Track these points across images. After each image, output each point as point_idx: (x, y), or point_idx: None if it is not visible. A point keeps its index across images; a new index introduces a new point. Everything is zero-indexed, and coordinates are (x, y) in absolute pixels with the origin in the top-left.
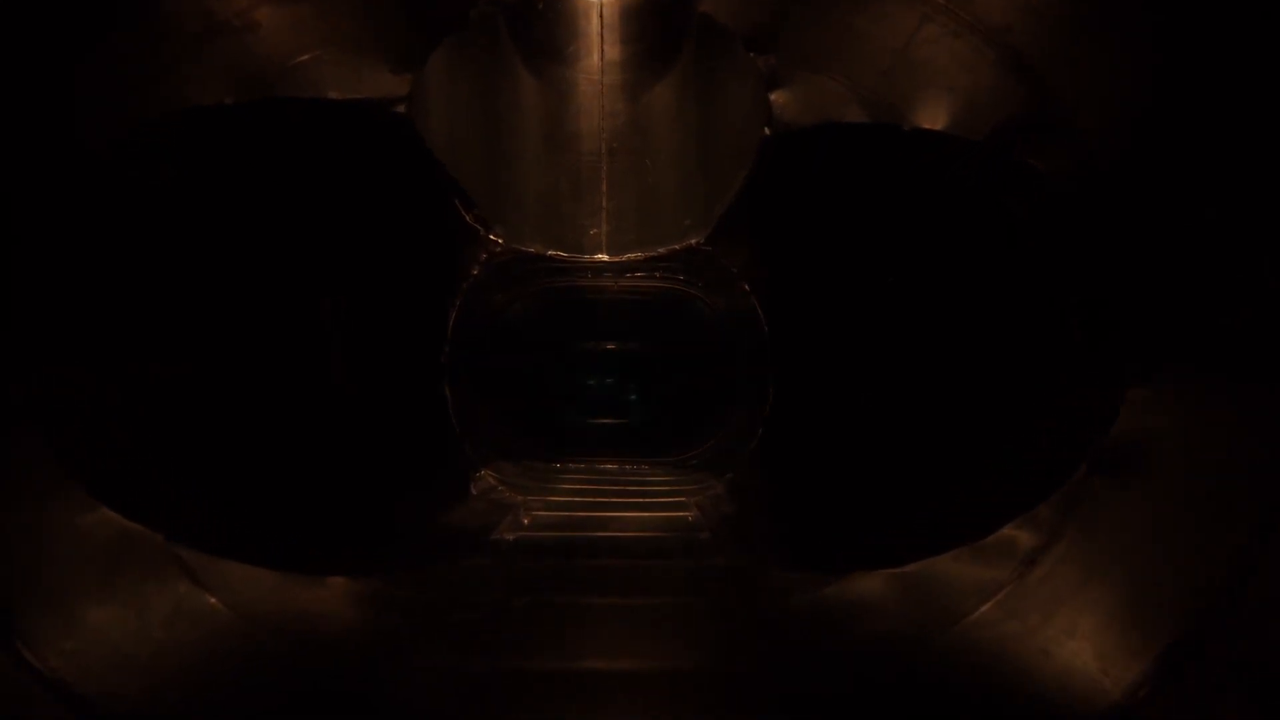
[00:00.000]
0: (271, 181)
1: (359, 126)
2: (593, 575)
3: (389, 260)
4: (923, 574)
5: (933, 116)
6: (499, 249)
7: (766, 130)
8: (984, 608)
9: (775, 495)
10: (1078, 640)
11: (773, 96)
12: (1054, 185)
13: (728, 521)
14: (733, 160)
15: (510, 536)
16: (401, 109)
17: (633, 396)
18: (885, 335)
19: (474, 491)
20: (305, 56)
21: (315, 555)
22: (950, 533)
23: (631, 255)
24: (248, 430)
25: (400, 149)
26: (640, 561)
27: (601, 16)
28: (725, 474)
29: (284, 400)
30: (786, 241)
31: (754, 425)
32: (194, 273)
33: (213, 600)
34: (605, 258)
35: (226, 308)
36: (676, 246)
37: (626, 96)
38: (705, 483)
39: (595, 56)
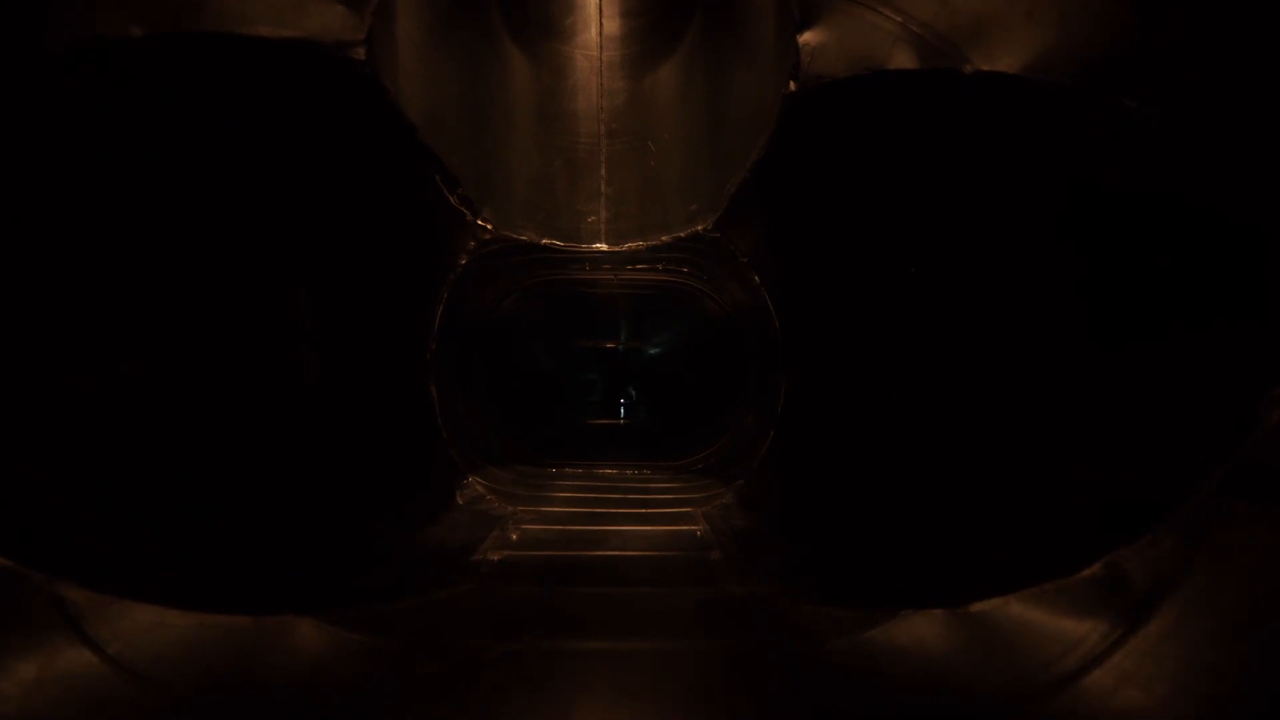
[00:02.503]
0: (198, 138)
1: (306, 74)
2: (587, 610)
3: (362, 243)
4: (995, 618)
5: (1004, 55)
6: (488, 236)
7: (792, 84)
8: (1092, 671)
9: (791, 508)
10: None
11: (803, 39)
12: (1166, 142)
13: (740, 539)
14: (747, 133)
15: (495, 557)
16: (359, 55)
17: (633, 396)
18: (920, 326)
19: (459, 501)
20: None
21: (255, 588)
22: (1026, 564)
23: (632, 244)
24: (176, 432)
25: (360, 106)
26: (643, 590)
27: None
28: (734, 481)
29: (228, 397)
30: (804, 224)
31: (764, 428)
32: (110, 253)
33: (98, 658)
34: (604, 247)
35: (151, 294)
36: (681, 234)
37: (627, 74)
38: (712, 490)
39: (593, 31)
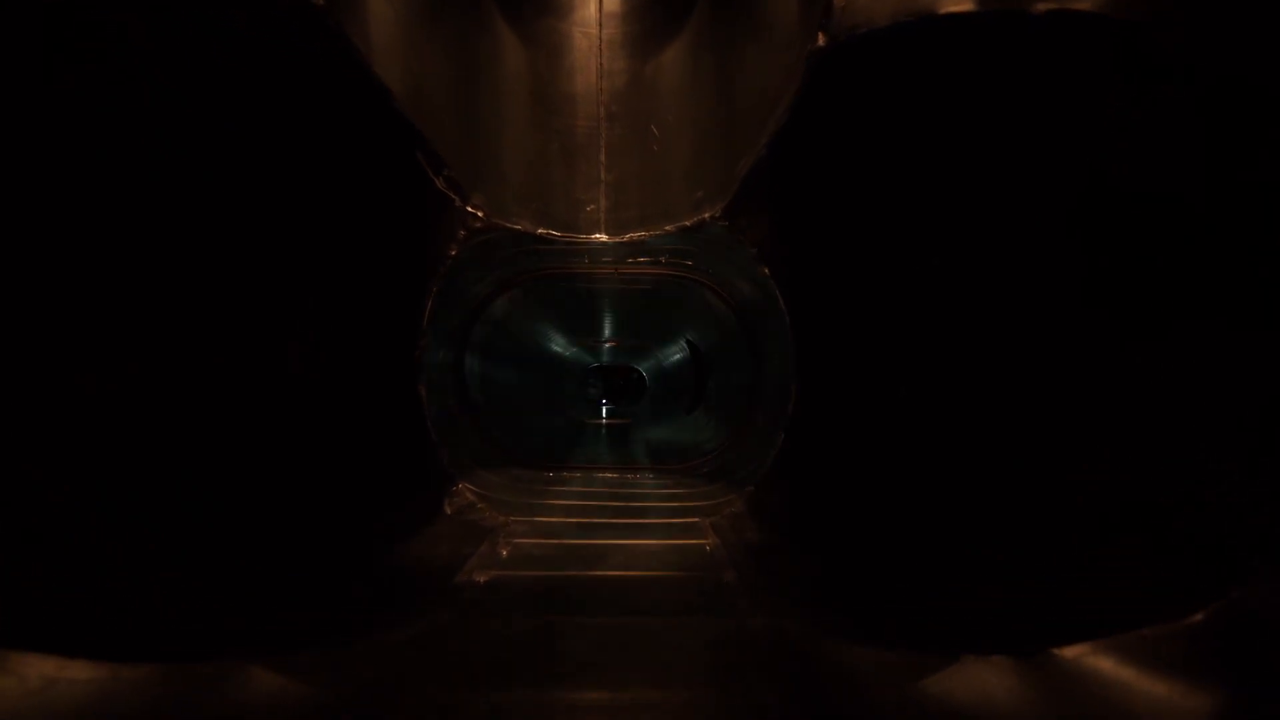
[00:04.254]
0: (131, 89)
1: (262, 23)
2: (583, 650)
3: (339, 225)
4: (1076, 670)
5: None
6: (480, 225)
7: (821, 38)
8: None
9: (808, 518)
10: None
11: None
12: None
13: (756, 556)
14: (760, 111)
15: (481, 578)
16: (319, 1)
17: (634, 397)
18: (942, 322)
19: (448, 510)
20: None
21: (188, 625)
22: (1112, 602)
23: (634, 235)
24: (134, 428)
25: (326, 64)
26: (648, 622)
27: None
28: (744, 487)
29: (188, 391)
30: (822, 208)
31: (775, 430)
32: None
33: None
34: (604, 238)
35: (104, 283)
36: (686, 223)
37: (629, 53)
38: (720, 497)
39: (592, 7)
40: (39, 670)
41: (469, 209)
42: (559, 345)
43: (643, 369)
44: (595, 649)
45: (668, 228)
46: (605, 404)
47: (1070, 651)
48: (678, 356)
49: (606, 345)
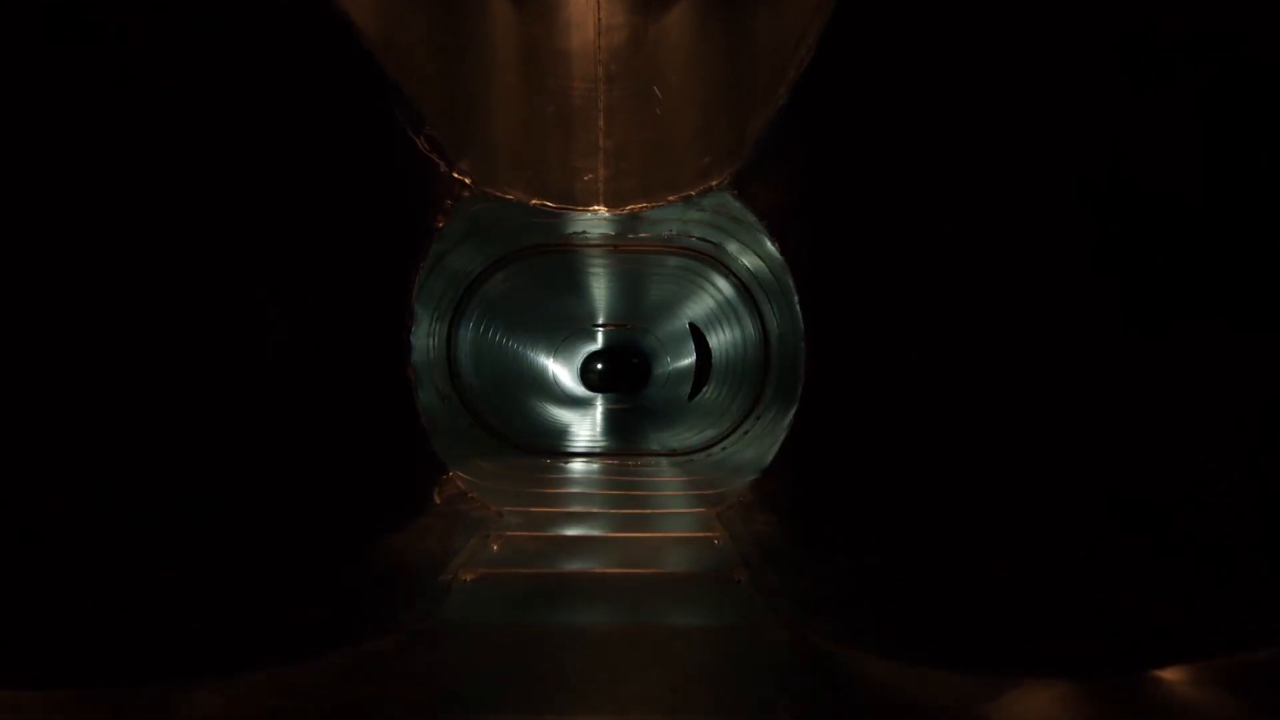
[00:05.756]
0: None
1: None
2: (576, 663)
3: (313, 188)
4: (1152, 698)
5: None
6: (468, 194)
7: None
8: None
9: (822, 511)
10: None
11: None
12: None
13: (769, 553)
14: (777, 64)
15: (468, 577)
16: None
17: (636, 380)
18: (960, 300)
19: (437, 501)
20: None
21: (131, 643)
22: (1183, 623)
23: (635, 206)
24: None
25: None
26: (653, 631)
27: None
28: (752, 474)
29: (159, 377)
30: (838, 168)
31: (783, 414)
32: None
33: None
34: (604, 210)
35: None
36: (692, 193)
37: (629, 6)
38: (726, 485)
39: None
40: None
41: (455, 175)
42: (556, 326)
43: (644, 351)
44: (591, 665)
45: (671, 198)
46: (604, 387)
47: (1142, 677)
48: (681, 338)
49: (606, 326)
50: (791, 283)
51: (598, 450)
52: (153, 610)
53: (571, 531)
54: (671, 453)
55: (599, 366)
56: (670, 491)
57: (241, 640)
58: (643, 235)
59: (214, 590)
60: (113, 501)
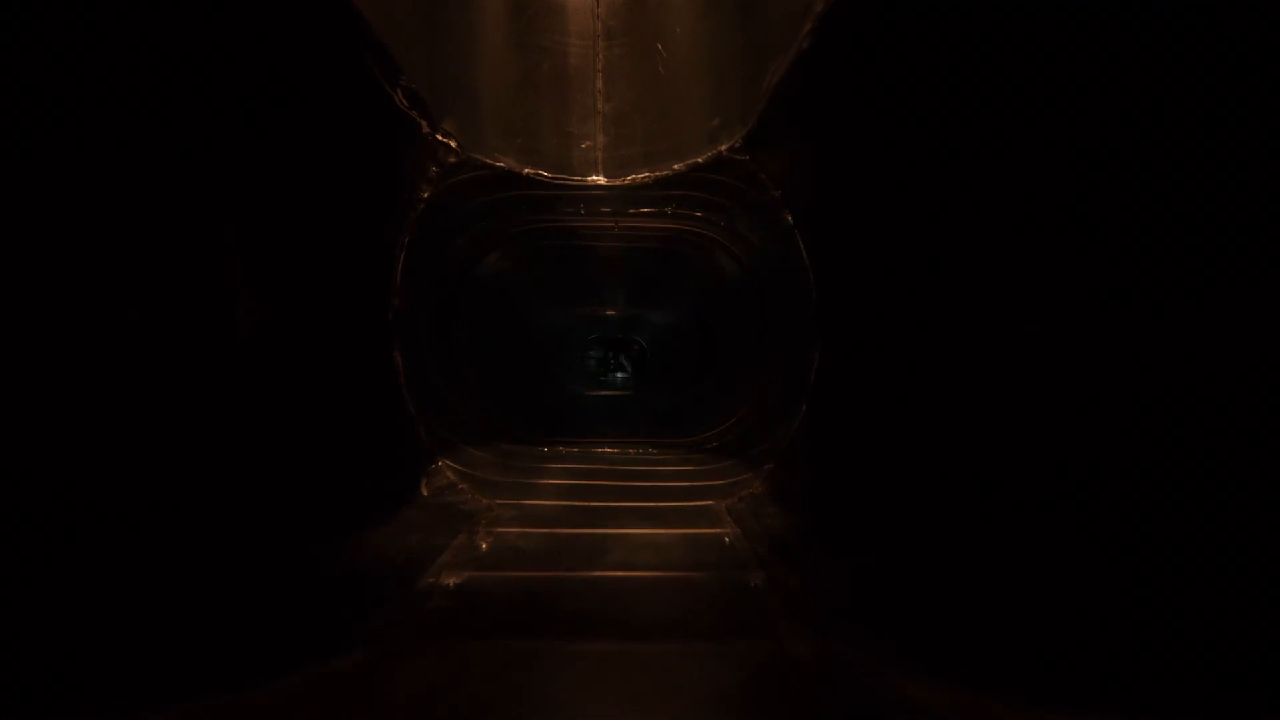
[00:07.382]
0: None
1: None
2: (571, 687)
3: (275, 144)
4: None
5: None
6: (454, 160)
7: None
8: None
9: (842, 504)
10: None
11: None
12: None
13: (785, 552)
14: (796, 10)
15: (452, 581)
16: None
17: (637, 363)
18: (991, 277)
19: (424, 493)
20: None
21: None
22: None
23: (636, 176)
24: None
25: None
26: (659, 650)
27: None
28: (763, 464)
29: (125, 355)
30: (870, 129)
31: (795, 400)
32: None
33: None
34: (602, 180)
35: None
36: (699, 160)
37: None
38: (736, 476)
39: None
40: None
41: (439, 138)
42: (553, 306)
43: (646, 333)
44: (587, 689)
45: (676, 166)
46: (604, 372)
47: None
48: (685, 320)
49: (606, 308)
50: (805, 260)
51: (597, 438)
52: (90, 627)
53: (568, 527)
54: (674, 440)
55: (599, 350)
56: (674, 482)
57: (194, 659)
58: (645, 211)
59: (164, 600)
60: (57, 502)
